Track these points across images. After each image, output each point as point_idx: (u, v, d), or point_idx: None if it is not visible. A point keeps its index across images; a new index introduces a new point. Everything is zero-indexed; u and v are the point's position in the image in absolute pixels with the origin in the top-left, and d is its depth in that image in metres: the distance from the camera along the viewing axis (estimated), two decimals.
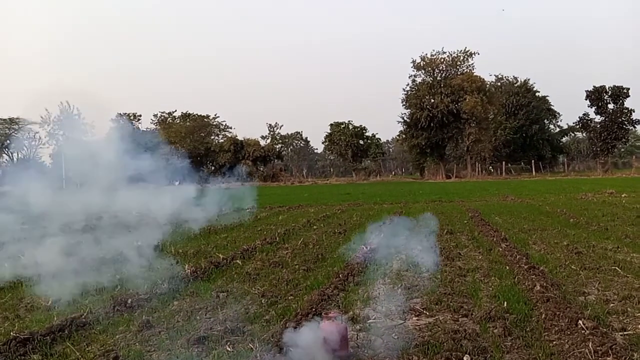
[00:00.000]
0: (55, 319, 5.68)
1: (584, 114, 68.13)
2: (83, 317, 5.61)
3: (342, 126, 75.17)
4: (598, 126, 66.30)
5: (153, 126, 78.26)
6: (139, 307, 6.14)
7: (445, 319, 5.55)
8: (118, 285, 7.28)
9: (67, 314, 5.80)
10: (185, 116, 78.02)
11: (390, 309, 5.86)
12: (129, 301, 6.24)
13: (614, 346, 4.37)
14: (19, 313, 6.18)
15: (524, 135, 72.42)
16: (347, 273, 7.63)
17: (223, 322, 5.48)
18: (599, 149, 66.25)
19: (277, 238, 11.87)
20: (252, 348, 4.57)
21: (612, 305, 5.93)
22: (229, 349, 4.68)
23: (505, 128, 71.92)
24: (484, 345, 4.63)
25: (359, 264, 8.36)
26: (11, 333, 5.05)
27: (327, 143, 77.84)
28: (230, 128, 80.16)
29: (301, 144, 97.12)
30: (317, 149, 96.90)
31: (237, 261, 9.05)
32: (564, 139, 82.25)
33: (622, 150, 79.85)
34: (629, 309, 5.76)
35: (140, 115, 76.72)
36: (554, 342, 4.72)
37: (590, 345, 4.36)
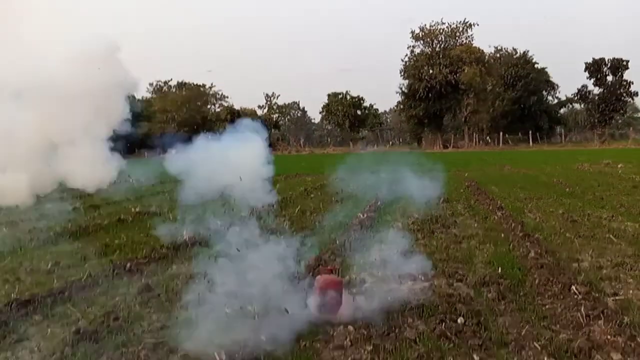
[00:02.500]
0: (55, 282, 5.74)
1: (582, 86, 67.87)
2: (83, 280, 5.67)
3: (340, 96, 74.64)
4: (596, 98, 66.05)
5: (148, 95, 77.60)
6: (138, 271, 6.21)
7: (440, 283, 5.63)
8: (117, 250, 7.36)
9: (67, 277, 5.86)
10: (181, 85, 77.18)
11: (386, 273, 5.93)
12: (128, 265, 6.31)
13: (605, 310, 4.46)
14: (19, 276, 6.23)
15: (522, 106, 71.94)
16: (343, 239, 7.70)
17: (221, 285, 5.53)
18: (596, 121, 66.14)
19: (275, 206, 11.88)
20: (250, 310, 4.64)
21: (604, 271, 6.02)
22: (228, 311, 4.75)
23: (504, 99, 71.38)
24: (477, 309, 4.72)
25: (355, 230, 8.42)
26: (12, 295, 5.11)
27: (324, 113, 77.45)
28: (227, 97, 79.47)
29: (298, 114, 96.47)
30: (314, 119, 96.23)
31: (235, 228, 9.08)
32: (561, 111, 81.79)
33: (620, 121, 79.65)
34: (621, 275, 5.86)
35: None
36: (547, 306, 4.80)
37: (582, 309, 4.45)
